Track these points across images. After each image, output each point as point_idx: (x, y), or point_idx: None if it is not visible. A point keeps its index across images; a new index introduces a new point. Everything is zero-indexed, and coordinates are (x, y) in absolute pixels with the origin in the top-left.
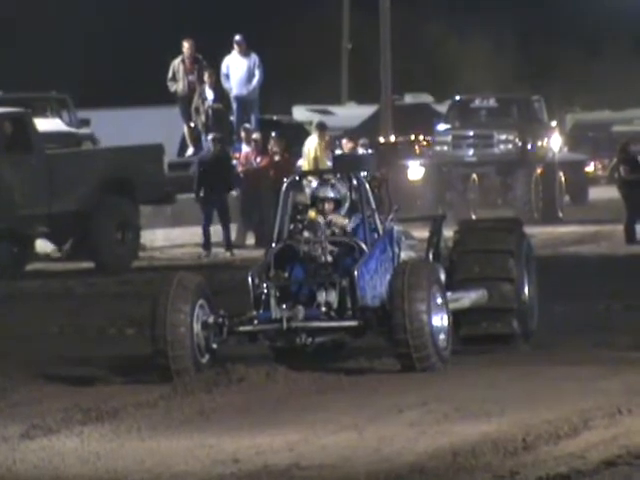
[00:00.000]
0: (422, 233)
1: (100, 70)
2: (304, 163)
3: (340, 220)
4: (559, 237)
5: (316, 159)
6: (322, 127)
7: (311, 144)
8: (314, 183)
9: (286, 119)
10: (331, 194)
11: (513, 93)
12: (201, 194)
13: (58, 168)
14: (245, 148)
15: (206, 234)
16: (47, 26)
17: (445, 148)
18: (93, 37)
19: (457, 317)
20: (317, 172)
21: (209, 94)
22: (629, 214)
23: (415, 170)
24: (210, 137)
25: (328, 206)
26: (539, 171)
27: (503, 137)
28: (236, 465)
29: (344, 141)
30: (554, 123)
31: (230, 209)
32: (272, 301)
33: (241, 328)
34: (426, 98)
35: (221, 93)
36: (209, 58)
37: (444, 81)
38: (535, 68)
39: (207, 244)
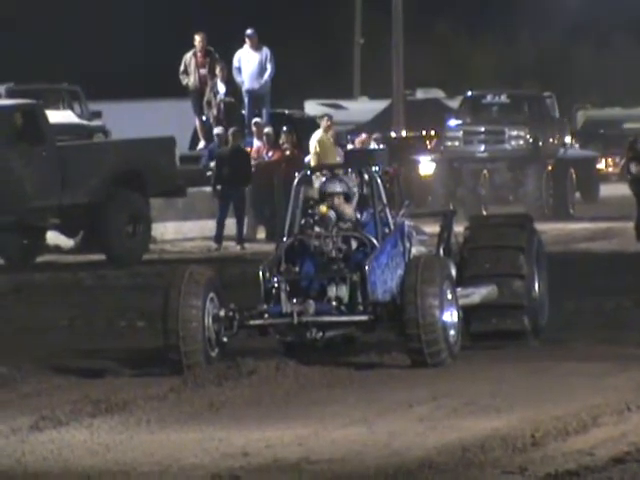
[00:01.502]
0: (433, 228)
1: (112, 62)
2: (312, 158)
3: (348, 210)
4: (570, 234)
5: (318, 154)
6: (326, 119)
7: (316, 139)
8: (322, 178)
9: (298, 113)
10: (339, 188)
11: (525, 89)
12: (218, 188)
13: (69, 160)
14: (256, 142)
15: (220, 227)
16: (59, 17)
17: (456, 143)
18: (105, 29)
19: (467, 313)
20: (329, 167)
21: (221, 88)
22: None
23: (426, 165)
24: (231, 131)
25: (337, 200)
26: (550, 167)
27: (514, 133)
28: (245, 459)
29: (364, 136)
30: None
31: (245, 203)
32: (283, 295)
33: (251, 322)
34: (437, 93)
35: (233, 87)
36: (221, 52)
37: (455, 76)
38: (547, 64)
39: (219, 237)
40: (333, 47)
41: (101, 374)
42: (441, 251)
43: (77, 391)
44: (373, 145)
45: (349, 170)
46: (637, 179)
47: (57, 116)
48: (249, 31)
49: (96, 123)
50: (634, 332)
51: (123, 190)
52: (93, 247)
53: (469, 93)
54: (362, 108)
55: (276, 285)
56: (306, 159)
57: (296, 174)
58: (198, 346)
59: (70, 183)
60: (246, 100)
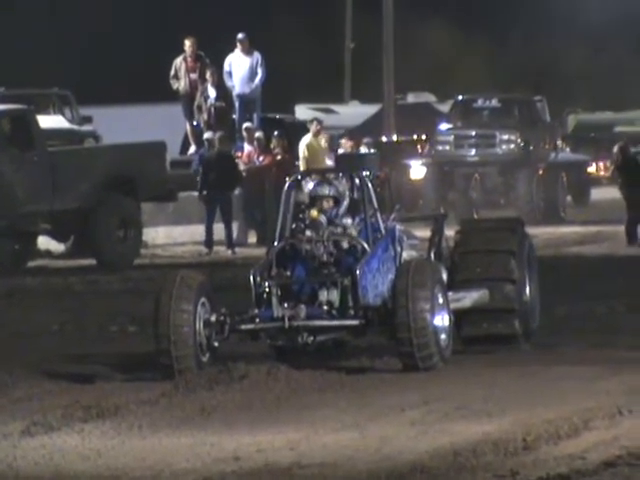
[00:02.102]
0: (424, 233)
1: (103, 67)
2: (300, 163)
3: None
4: (561, 237)
5: (307, 159)
6: (315, 123)
7: (304, 143)
8: (310, 184)
9: (289, 118)
10: (328, 191)
11: (515, 93)
12: (204, 192)
13: (60, 165)
14: (247, 147)
15: (209, 232)
16: (49, 22)
17: (447, 147)
18: (96, 33)
19: (458, 317)
20: (320, 171)
21: (211, 92)
22: (630, 215)
23: (417, 169)
24: (217, 135)
25: (327, 204)
26: (541, 171)
27: (505, 137)
28: (237, 463)
29: (343, 140)
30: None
31: (232, 207)
32: (274, 300)
33: (243, 326)
34: (428, 97)
35: (223, 91)
36: (211, 56)
37: (446, 80)
38: (538, 68)
39: (209, 242)
40: (324, 51)
41: (92, 379)
42: (432, 255)
43: (68, 396)
44: (364, 149)
45: (340, 174)
46: (628, 184)
47: (48, 121)
48: (240, 35)
49: (87, 128)
50: (625, 336)
51: (114, 195)
52: (84, 252)
53: (460, 97)
54: (353, 112)
55: (267, 289)
56: (297, 164)
57: (287, 179)
58: (189, 351)
59: (61, 188)
60: (237, 105)
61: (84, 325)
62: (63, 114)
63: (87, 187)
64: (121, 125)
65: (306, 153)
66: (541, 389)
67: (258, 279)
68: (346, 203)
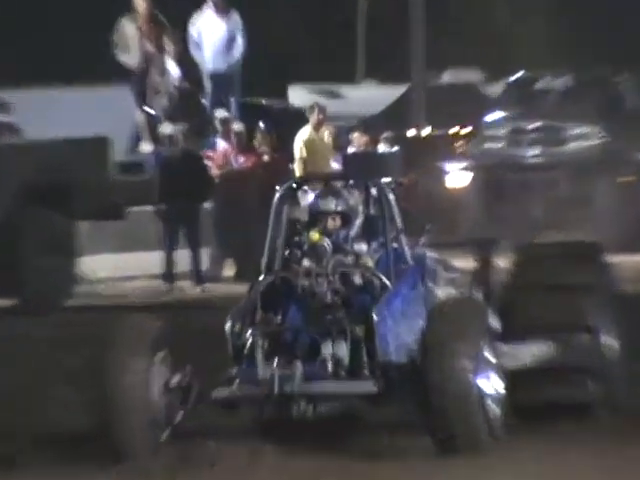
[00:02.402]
0: (466, 262)
1: (26, 37)
2: (296, 166)
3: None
4: None
5: (305, 160)
6: (316, 111)
7: (301, 139)
8: (310, 194)
9: (279, 104)
10: (334, 206)
11: (594, 70)
12: (163, 206)
13: None
14: (222, 143)
15: (169, 261)
16: None
17: (498, 145)
18: None
19: (513, 379)
20: (323, 177)
21: (173, 68)
22: None
23: (456, 175)
24: (181, 128)
25: (332, 223)
26: (627, 178)
27: (578, 131)
28: None
29: (355, 134)
30: None
31: (201, 227)
32: (259, 355)
33: (215, 392)
34: (472, 76)
35: (189, 67)
36: (173, 19)
37: (497, 52)
38: (623, 36)
39: (169, 275)
40: (328, 14)
41: (12, 461)
42: (478, 294)
43: None
44: (383, 147)
45: (350, 182)
46: None
47: None
48: None
49: (2, 118)
50: None
51: (39, 210)
52: (0, 287)
53: (516, 76)
54: (367, 97)
55: (250, 340)
56: (292, 167)
57: (277, 187)
58: (142, 424)
59: None
60: (208, 85)
61: (1, 387)
62: None
63: (3, 199)
64: (50, 114)
65: (303, 152)
66: (621, 474)
67: (237, 326)
68: (359, 222)
